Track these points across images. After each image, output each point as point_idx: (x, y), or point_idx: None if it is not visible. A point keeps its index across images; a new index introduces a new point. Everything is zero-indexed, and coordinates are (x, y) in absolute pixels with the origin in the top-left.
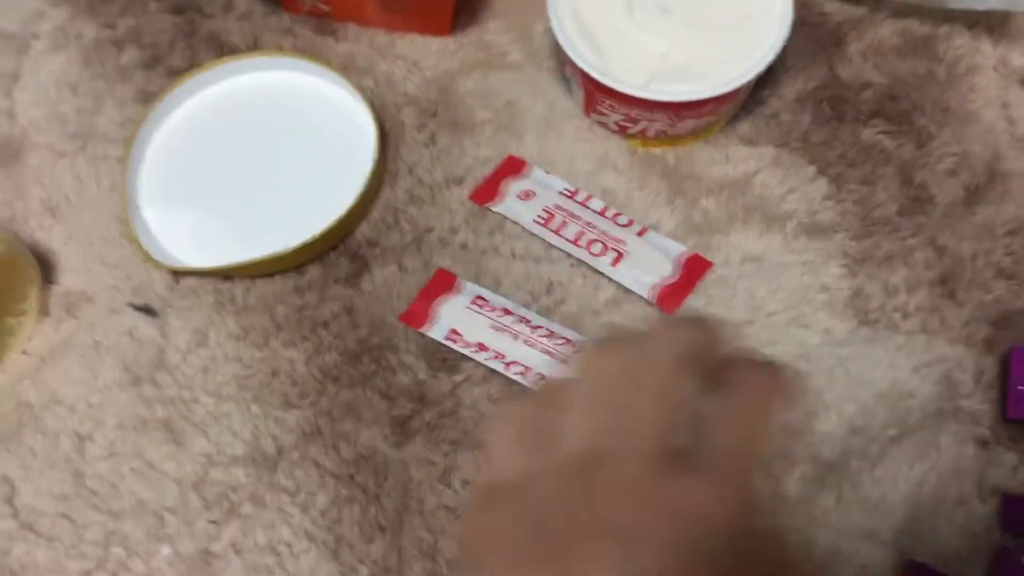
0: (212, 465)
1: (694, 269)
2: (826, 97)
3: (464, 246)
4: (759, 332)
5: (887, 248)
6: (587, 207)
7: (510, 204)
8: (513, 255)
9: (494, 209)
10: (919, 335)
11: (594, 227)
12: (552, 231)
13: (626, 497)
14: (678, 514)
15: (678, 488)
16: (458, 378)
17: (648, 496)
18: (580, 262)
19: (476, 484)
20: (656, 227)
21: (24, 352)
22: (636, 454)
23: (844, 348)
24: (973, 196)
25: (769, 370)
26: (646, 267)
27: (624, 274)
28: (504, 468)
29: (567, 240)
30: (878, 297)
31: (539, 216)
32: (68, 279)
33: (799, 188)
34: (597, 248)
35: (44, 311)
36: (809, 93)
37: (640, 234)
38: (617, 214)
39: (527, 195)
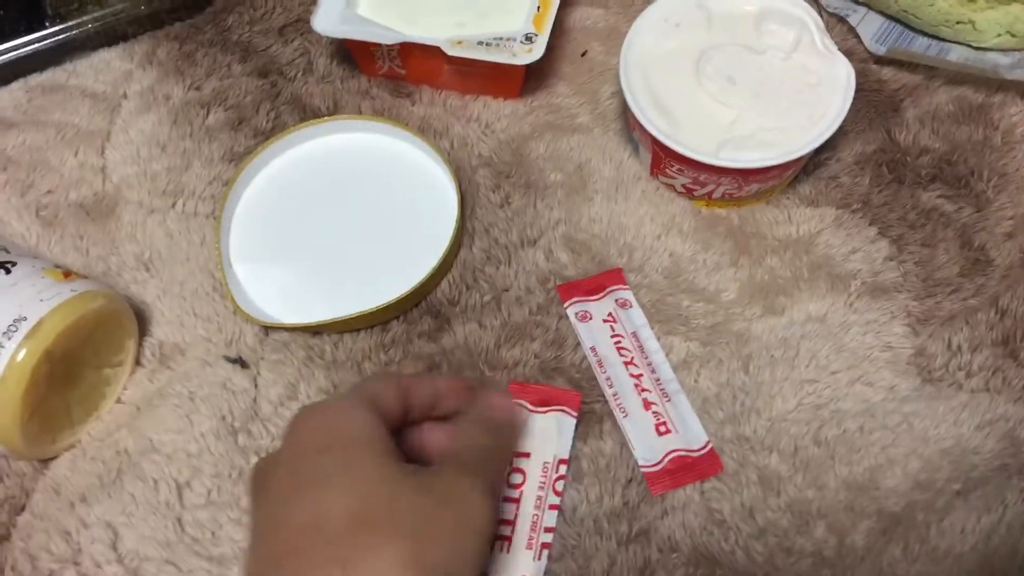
0: None
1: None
2: (885, 161)
3: (540, 305)
4: (822, 390)
5: (949, 308)
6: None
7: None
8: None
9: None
10: (982, 393)
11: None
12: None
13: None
14: None
15: None
16: None
17: None
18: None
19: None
20: (723, 291)
21: (119, 401)
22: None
23: (908, 405)
24: None
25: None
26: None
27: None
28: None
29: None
30: (941, 356)
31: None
32: (161, 331)
33: (861, 248)
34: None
35: (138, 361)
36: (868, 156)
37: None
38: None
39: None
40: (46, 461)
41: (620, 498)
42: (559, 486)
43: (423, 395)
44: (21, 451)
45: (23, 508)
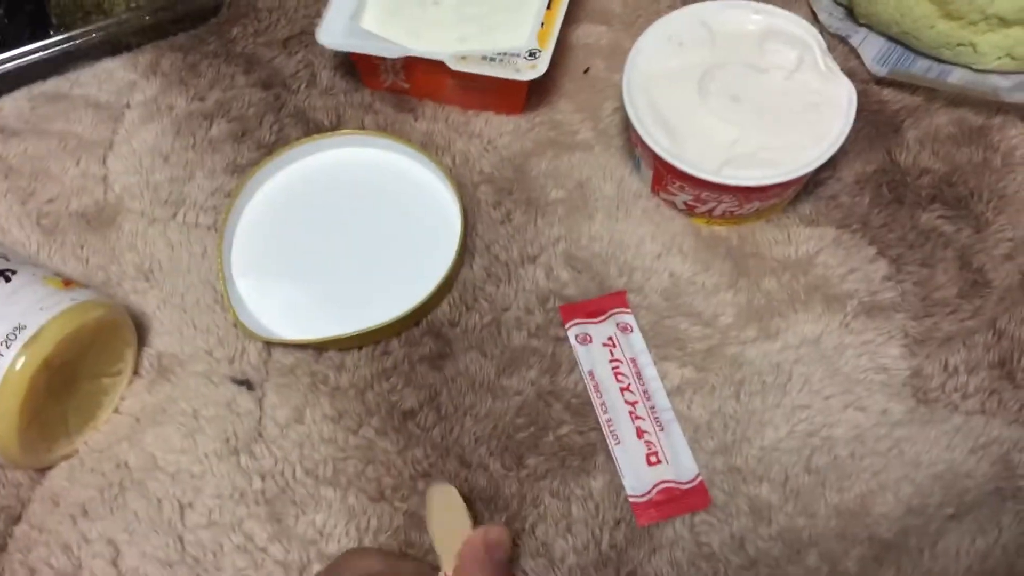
0: (317, 551)
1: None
2: (885, 181)
3: (539, 326)
4: (814, 416)
5: (947, 329)
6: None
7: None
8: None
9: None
10: (977, 416)
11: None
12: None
13: None
14: None
15: None
16: (523, 474)
17: None
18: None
19: None
20: (720, 315)
21: (116, 411)
22: None
23: (899, 430)
24: None
25: None
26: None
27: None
28: None
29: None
30: (937, 377)
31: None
32: (160, 342)
33: (859, 268)
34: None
35: (136, 371)
36: (868, 176)
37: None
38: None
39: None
40: (42, 471)
41: (608, 542)
42: None
43: None
44: (18, 460)
45: (19, 518)
